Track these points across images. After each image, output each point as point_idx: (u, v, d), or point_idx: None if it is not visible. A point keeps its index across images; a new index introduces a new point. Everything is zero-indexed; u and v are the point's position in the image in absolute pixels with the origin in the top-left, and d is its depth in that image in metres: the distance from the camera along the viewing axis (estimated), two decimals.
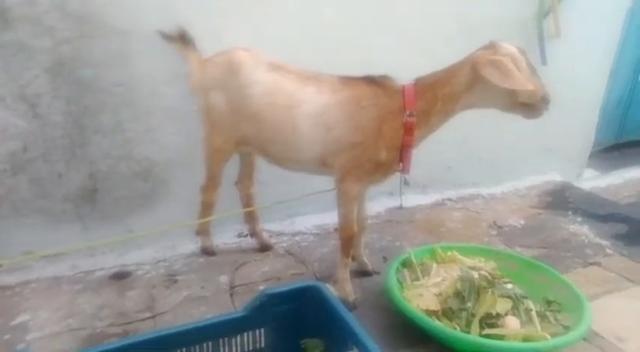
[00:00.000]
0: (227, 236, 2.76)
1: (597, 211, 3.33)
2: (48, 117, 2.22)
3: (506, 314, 1.84)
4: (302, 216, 2.96)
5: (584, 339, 1.90)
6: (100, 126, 2.34)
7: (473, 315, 1.84)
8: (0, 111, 2.14)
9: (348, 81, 2.01)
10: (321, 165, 2.06)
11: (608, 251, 2.78)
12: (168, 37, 2.23)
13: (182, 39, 2.22)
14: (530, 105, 1.88)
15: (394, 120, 1.93)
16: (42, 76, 2.16)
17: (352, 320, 1.40)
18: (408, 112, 1.91)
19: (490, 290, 1.93)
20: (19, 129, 2.19)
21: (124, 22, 2.24)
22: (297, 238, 2.81)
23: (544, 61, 3.24)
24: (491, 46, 1.86)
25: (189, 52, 2.22)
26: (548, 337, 1.73)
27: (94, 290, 2.27)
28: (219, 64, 2.12)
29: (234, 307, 2.16)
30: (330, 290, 1.58)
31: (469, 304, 1.89)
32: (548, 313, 1.94)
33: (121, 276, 2.37)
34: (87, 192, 2.39)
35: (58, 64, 2.17)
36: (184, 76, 2.25)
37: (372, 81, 1.99)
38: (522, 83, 1.74)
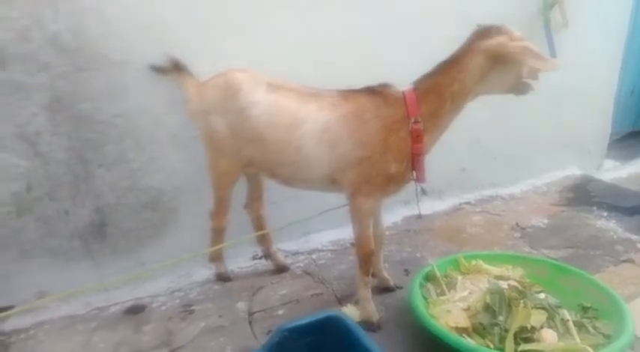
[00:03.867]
0: (241, 259, 2.69)
1: (623, 204, 3.20)
2: (50, 155, 2.18)
3: (541, 327, 1.72)
4: (317, 233, 2.88)
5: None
6: (104, 159, 2.29)
7: (506, 330, 1.73)
8: (0, 152, 2.10)
9: (348, 94, 1.93)
10: (331, 183, 1.98)
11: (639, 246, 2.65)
12: (161, 70, 2.21)
13: (176, 68, 2.18)
14: (526, 84, 1.83)
15: (400, 130, 1.84)
16: (40, 113, 2.11)
17: (377, 350, 1.31)
18: (412, 119, 1.82)
19: (522, 301, 1.81)
20: (21, 169, 2.14)
21: (118, 52, 2.19)
22: (313, 256, 2.73)
23: (553, 54, 3.14)
24: (500, 31, 1.75)
25: (184, 79, 2.18)
26: (590, 350, 1.61)
27: (110, 327, 2.20)
28: (216, 88, 2.06)
29: (254, 335, 2.08)
30: (351, 318, 1.49)
31: (501, 318, 1.78)
32: (585, 321, 1.82)
33: (136, 310, 2.30)
34: (95, 227, 2.34)
35: (56, 100, 2.13)
36: (184, 102, 2.19)
37: (372, 91, 1.91)
38: (553, 63, 1.69)
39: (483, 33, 1.77)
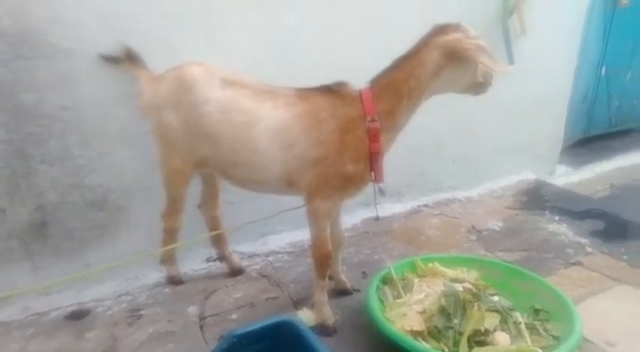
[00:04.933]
0: (195, 262, 2.59)
1: (573, 208, 3.31)
2: None
3: (494, 330, 1.74)
4: (275, 235, 2.81)
5: None
6: (47, 154, 2.14)
7: (460, 334, 1.73)
8: None
9: (304, 93, 1.88)
10: (287, 185, 1.93)
11: (589, 249, 2.74)
12: (112, 60, 2.11)
13: (128, 58, 2.09)
14: (482, 84, 1.85)
15: (356, 129, 1.81)
16: None
17: None
18: (369, 118, 1.79)
19: (476, 304, 1.83)
20: None
21: (66, 40, 2.06)
22: (270, 258, 2.66)
23: (511, 60, 3.21)
24: (457, 29, 1.77)
25: (137, 70, 2.08)
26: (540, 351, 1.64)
27: (49, 333, 2.05)
28: (170, 81, 1.97)
29: (205, 341, 1.99)
30: (307, 322, 1.44)
31: (455, 321, 1.78)
32: (537, 323, 1.85)
33: (78, 316, 2.17)
34: (35, 227, 2.19)
35: None
36: (136, 95, 2.08)
37: (328, 90, 1.87)
38: (504, 65, 1.70)
39: (440, 30, 1.78)
